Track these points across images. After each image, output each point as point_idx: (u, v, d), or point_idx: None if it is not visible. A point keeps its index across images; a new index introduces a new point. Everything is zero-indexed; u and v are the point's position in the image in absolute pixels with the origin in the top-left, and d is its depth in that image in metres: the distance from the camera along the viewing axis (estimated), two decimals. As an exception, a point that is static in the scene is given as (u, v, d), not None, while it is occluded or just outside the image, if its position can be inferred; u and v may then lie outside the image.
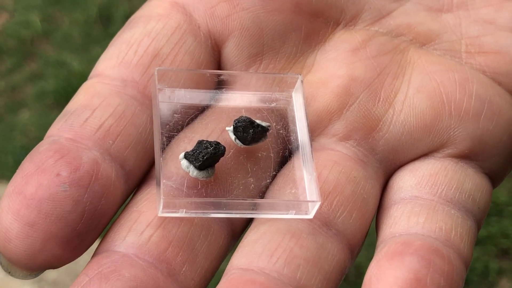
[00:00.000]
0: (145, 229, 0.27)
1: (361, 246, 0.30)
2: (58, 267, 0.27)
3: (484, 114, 0.32)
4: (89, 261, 0.27)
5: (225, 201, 0.28)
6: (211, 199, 0.28)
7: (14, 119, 1.13)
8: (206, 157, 0.28)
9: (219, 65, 0.32)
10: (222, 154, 0.29)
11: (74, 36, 1.23)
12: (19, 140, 1.11)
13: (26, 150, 0.98)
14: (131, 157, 0.28)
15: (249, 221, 0.30)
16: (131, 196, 0.29)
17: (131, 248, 0.27)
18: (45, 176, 0.26)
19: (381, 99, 0.32)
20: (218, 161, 0.29)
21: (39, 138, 0.28)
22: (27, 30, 1.23)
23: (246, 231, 0.30)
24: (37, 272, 0.27)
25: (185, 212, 0.27)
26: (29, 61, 1.21)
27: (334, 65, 0.32)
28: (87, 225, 0.26)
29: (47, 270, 0.27)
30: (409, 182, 0.31)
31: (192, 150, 0.28)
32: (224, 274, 0.28)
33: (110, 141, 0.28)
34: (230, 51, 0.32)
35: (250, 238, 0.28)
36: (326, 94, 0.32)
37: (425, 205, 0.30)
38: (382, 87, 0.32)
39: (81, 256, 0.27)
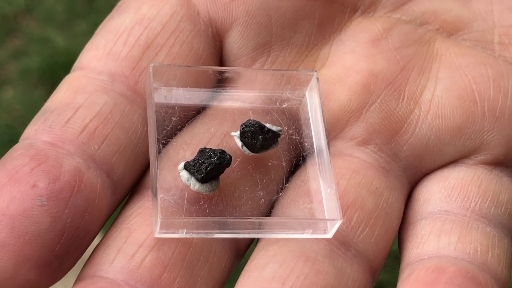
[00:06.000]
0: (137, 250, 0.25)
1: (382, 267, 0.27)
2: None
3: None
4: (71, 289, 0.24)
5: (232, 220, 0.25)
6: (216, 218, 0.25)
7: (-2, 97, 1.11)
8: (210, 168, 0.26)
9: (220, 58, 0.30)
10: (228, 164, 0.26)
11: (58, 11, 1.20)
12: (3, 119, 1.09)
13: (10, 129, 0.95)
14: (119, 164, 0.26)
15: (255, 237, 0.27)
16: (119, 209, 0.26)
17: (121, 273, 0.24)
18: (18, 187, 0.23)
19: (406, 98, 0.29)
20: (223, 172, 0.26)
21: (24, 116, 0.25)
22: (10, 5, 1.20)
23: (251, 248, 0.27)
24: None
25: (186, 233, 0.25)
26: (12, 38, 1.19)
27: (351, 58, 0.30)
28: (67, 246, 0.24)
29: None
30: (438, 194, 0.29)
31: (194, 159, 0.26)
32: None
33: (96, 146, 0.25)
34: (234, 42, 0.29)
35: (258, 261, 0.26)
36: (343, 92, 0.29)
37: (457, 222, 0.27)
38: (406, 84, 0.30)
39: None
